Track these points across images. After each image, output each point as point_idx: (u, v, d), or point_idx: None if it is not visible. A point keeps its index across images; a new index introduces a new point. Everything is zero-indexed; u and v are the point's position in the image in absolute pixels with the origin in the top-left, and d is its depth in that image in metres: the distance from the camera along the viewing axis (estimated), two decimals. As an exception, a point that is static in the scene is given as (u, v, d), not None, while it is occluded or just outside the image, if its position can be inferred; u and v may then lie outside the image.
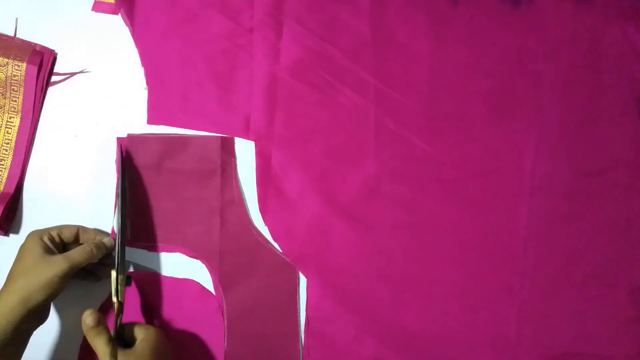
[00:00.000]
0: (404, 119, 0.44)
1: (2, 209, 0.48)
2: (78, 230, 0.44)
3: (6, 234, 0.49)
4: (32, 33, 0.51)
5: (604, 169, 0.41)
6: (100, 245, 0.43)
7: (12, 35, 0.51)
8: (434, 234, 0.43)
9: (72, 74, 0.50)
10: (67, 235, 0.44)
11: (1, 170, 0.50)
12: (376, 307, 0.43)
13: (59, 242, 0.43)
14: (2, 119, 0.50)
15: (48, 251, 0.41)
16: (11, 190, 0.49)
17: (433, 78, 0.44)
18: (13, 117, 0.50)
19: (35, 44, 0.50)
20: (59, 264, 0.40)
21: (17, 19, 0.51)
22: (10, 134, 0.50)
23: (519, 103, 0.42)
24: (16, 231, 0.50)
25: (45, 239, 0.42)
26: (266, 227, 0.45)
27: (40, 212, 0.49)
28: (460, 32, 0.44)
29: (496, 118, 0.43)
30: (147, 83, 0.48)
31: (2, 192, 0.49)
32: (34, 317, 0.40)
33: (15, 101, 0.50)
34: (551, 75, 0.42)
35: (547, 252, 0.41)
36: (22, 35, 0.51)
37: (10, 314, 0.38)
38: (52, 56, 0.50)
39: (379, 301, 0.43)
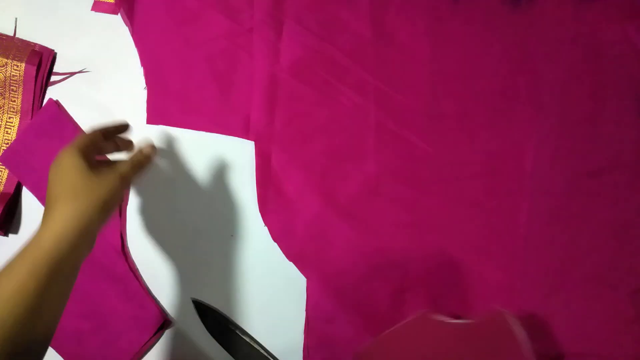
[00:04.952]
0: (404, 118, 0.44)
1: (2, 208, 0.48)
2: (109, 129, 0.40)
3: (6, 234, 0.49)
4: (32, 33, 0.51)
5: (604, 169, 0.40)
6: (149, 154, 0.39)
7: (12, 35, 0.51)
8: (434, 234, 0.43)
9: (72, 74, 0.50)
10: (105, 145, 0.39)
11: (1, 170, 0.50)
12: (376, 307, 0.43)
13: (97, 153, 0.38)
14: (2, 119, 0.50)
15: (93, 167, 0.35)
16: (11, 190, 0.49)
17: (433, 78, 0.44)
18: (12, 117, 0.50)
19: (35, 44, 0.50)
20: (111, 183, 0.34)
21: (16, 18, 0.51)
22: (9, 134, 0.50)
23: (519, 103, 0.42)
24: (16, 231, 0.50)
25: (84, 156, 0.35)
26: (266, 227, 0.45)
27: (40, 212, 0.49)
28: (460, 32, 0.43)
29: (496, 118, 0.43)
30: (147, 83, 0.48)
31: (2, 192, 0.49)
32: (88, 245, 0.34)
33: (15, 101, 0.50)
34: (551, 75, 0.42)
35: (547, 252, 0.41)
36: (22, 35, 0.51)
37: (64, 242, 0.31)
38: (52, 56, 0.50)
39: (379, 301, 0.43)
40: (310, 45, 0.45)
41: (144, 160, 0.39)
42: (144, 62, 0.48)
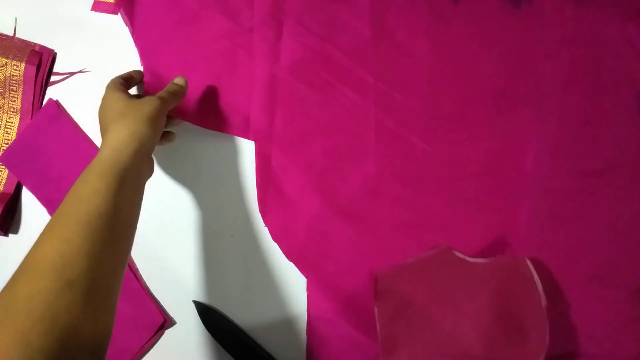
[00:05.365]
0: (404, 118, 0.44)
1: (1, 208, 0.48)
2: (132, 73, 0.45)
3: (6, 234, 0.49)
4: (32, 33, 0.51)
5: (604, 169, 0.40)
6: (181, 84, 0.43)
7: (12, 35, 0.51)
8: (434, 234, 0.43)
9: (72, 74, 0.50)
10: (128, 78, 0.44)
11: (1, 170, 0.50)
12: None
13: (127, 86, 0.43)
14: (2, 119, 0.50)
15: (132, 99, 0.40)
16: (11, 190, 0.49)
17: (433, 77, 0.44)
18: (12, 117, 0.50)
19: (35, 44, 0.50)
20: (152, 101, 0.39)
21: (16, 18, 0.51)
22: (9, 134, 0.50)
23: (520, 103, 0.42)
24: (16, 231, 0.50)
25: (122, 90, 0.41)
26: (266, 227, 0.45)
27: (40, 212, 0.49)
28: (460, 31, 0.43)
29: (496, 118, 0.43)
30: (146, 82, 0.47)
31: (2, 192, 0.49)
32: (146, 161, 0.39)
33: (14, 101, 0.50)
34: (552, 75, 0.42)
35: (547, 252, 0.41)
36: (22, 35, 0.51)
37: (123, 153, 0.35)
38: (52, 56, 0.50)
39: None
40: (310, 45, 0.45)
41: (178, 88, 0.43)
42: (144, 62, 0.48)
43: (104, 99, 0.40)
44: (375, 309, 0.41)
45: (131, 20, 0.48)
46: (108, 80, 0.49)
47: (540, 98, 0.42)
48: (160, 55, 0.47)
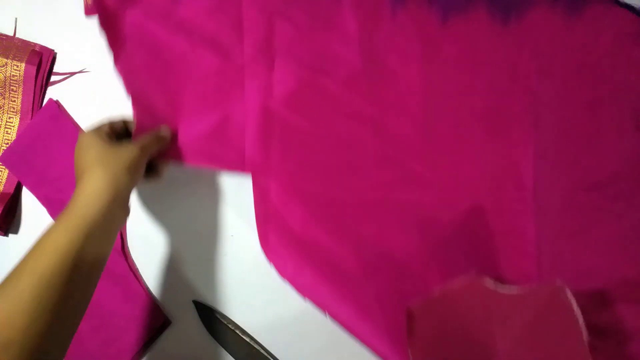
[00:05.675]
0: (401, 144, 0.42)
1: (1, 208, 0.48)
2: (125, 122, 0.43)
3: (6, 234, 0.50)
4: (32, 33, 0.51)
5: (604, 183, 0.39)
6: (164, 133, 0.43)
7: (12, 35, 0.51)
8: (444, 261, 0.41)
9: (72, 74, 0.50)
10: (118, 129, 0.42)
11: (1, 171, 0.50)
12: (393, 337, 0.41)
13: (113, 136, 0.41)
14: (2, 119, 0.50)
15: (112, 144, 0.38)
16: (11, 190, 0.50)
17: (427, 102, 0.42)
18: (12, 117, 0.50)
19: (35, 44, 0.50)
20: (131, 149, 0.38)
21: (16, 18, 0.51)
22: (9, 134, 0.50)
23: (515, 121, 0.41)
24: (16, 231, 0.50)
25: (103, 134, 0.39)
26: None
27: (40, 212, 0.49)
28: (451, 54, 0.42)
29: (493, 137, 0.41)
30: (137, 121, 0.44)
31: (1, 192, 0.49)
32: (122, 208, 0.37)
33: (15, 101, 0.50)
34: (545, 91, 0.41)
35: (560, 269, 0.39)
36: (22, 35, 0.51)
37: (96, 203, 0.34)
38: (52, 56, 0.50)
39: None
40: (303, 77, 0.43)
41: (159, 138, 0.42)
42: (135, 101, 0.44)
43: (80, 141, 0.38)
44: (409, 348, 0.38)
45: (122, 68, 0.44)
46: (108, 80, 0.49)
47: (536, 115, 0.41)
48: (151, 94, 0.45)
